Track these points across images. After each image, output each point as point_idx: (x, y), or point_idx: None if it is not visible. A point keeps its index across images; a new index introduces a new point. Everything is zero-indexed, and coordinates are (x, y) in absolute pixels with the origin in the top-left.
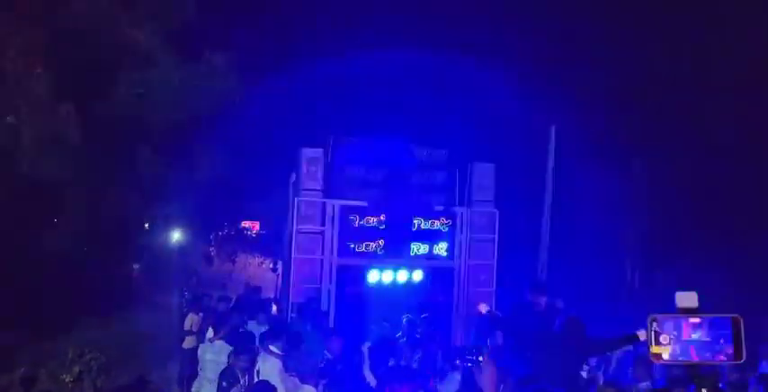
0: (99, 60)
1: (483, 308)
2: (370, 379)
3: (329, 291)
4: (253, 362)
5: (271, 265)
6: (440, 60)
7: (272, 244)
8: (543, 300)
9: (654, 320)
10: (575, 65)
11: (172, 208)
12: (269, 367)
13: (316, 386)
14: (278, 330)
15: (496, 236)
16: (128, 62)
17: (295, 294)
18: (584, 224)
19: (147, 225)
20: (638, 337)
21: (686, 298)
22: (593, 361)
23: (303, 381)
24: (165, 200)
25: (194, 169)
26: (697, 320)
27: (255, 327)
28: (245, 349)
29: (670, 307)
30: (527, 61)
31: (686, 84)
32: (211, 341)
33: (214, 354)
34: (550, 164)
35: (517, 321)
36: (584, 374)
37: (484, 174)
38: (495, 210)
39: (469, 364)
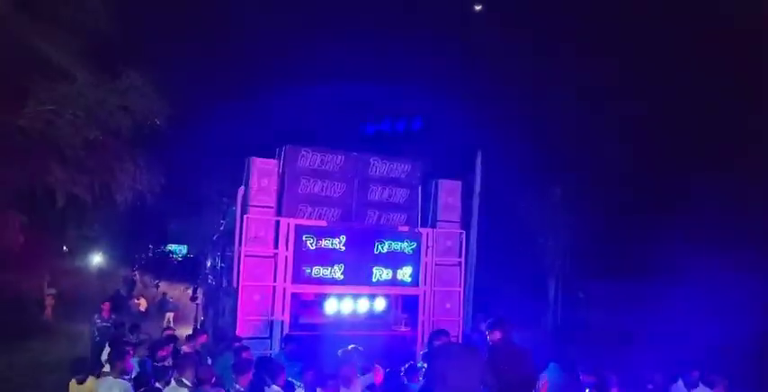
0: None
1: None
2: None
3: (282, 324)
4: None
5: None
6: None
7: (198, 270)
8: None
9: None
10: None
11: (91, 230)
12: None
13: None
14: (184, 363)
15: (463, 260)
16: (38, 76)
17: (242, 328)
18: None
19: (65, 247)
20: None
21: None
22: None
23: None
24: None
25: (117, 189)
26: None
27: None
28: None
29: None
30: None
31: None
32: (100, 375)
33: (105, 389)
34: (477, 186)
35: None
36: None
37: (450, 192)
38: (462, 231)
39: None
